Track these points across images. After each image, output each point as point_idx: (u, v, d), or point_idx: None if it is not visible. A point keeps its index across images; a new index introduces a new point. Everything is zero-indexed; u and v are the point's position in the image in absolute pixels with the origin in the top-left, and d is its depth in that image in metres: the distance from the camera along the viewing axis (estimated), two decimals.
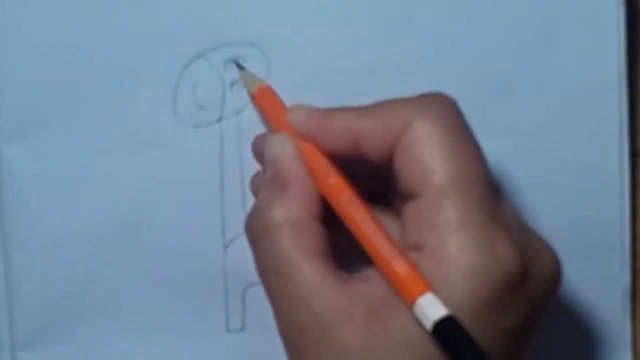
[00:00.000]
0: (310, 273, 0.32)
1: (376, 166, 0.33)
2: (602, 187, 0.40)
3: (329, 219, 0.33)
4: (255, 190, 0.38)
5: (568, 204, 0.40)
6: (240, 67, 0.38)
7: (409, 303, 0.30)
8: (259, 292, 0.34)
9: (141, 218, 0.38)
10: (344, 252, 0.33)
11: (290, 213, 0.33)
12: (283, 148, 0.34)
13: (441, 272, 0.30)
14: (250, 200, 0.38)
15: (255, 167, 0.38)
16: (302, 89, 0.38)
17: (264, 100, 0.37)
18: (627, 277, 0.41)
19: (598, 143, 0.40)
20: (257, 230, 0.34)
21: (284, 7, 0.38)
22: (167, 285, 0.39)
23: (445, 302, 0.30)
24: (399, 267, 0.31)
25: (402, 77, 0.39)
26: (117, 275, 0.39)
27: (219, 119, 0.38)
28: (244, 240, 0.35)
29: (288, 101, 0.37)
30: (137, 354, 0.39)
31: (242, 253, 0.35)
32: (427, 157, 0.31)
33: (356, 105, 0.33)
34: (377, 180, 0.35)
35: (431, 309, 0.30)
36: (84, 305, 0.39)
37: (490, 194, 0.32)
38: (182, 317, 0.39)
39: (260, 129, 0.38)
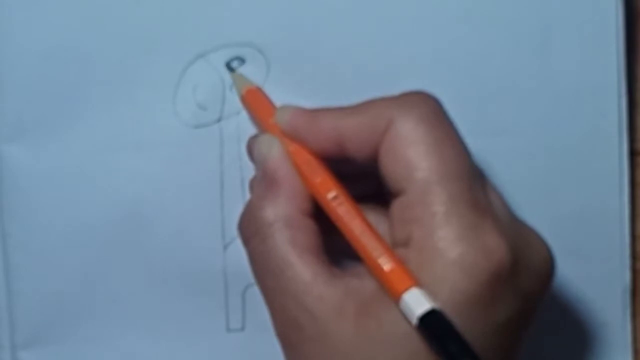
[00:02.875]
0: (302, 269, 0.32)
1: (364, 166, 0.33)
2: (602, 187, 0.40)
3: (326, 217, 0.33)
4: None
5: (568, 203, 0.40)
6: (231, 69, 0.38)
7: (395, 298, 0.30)
8: (259, 292, 0.34)
9: (141, 218, 0.38)
10: (342, 250, 0.33)
11: (281, 211, 0.33)
12: (270, 148, 0.34)
13: (428, 267, 0.30)
14: None
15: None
16: (302, 89, 0.38)
17: (253, 102, 0.37)
18: (627, 277, 0.41)
19: (598, 143, 0.40)
20: (249, 229, 0.34)
21: (284, 7, 0.38)
22: (167, 285, 0.39)
23: (433, 296, 0.30)
24: (385, 263, 0.31)
25: (401, 78, 0.39)
26: (117, 275, 0.39)
27: (219, 119, 0.39)
28: None
29: (288, 101, 0.37)
30: (137, 354, 0.39)
31: (242, 253, 0.35)
32: (410, 154, 0.31)
33: (342, 106, 0.34)
34: (370, 180, 0.35)
35: (416, 303, 0.30)
36: (84, 305, 0.39)
37: (476, 187, 0.32)
38: (182, 317, 0.39)
39: None
